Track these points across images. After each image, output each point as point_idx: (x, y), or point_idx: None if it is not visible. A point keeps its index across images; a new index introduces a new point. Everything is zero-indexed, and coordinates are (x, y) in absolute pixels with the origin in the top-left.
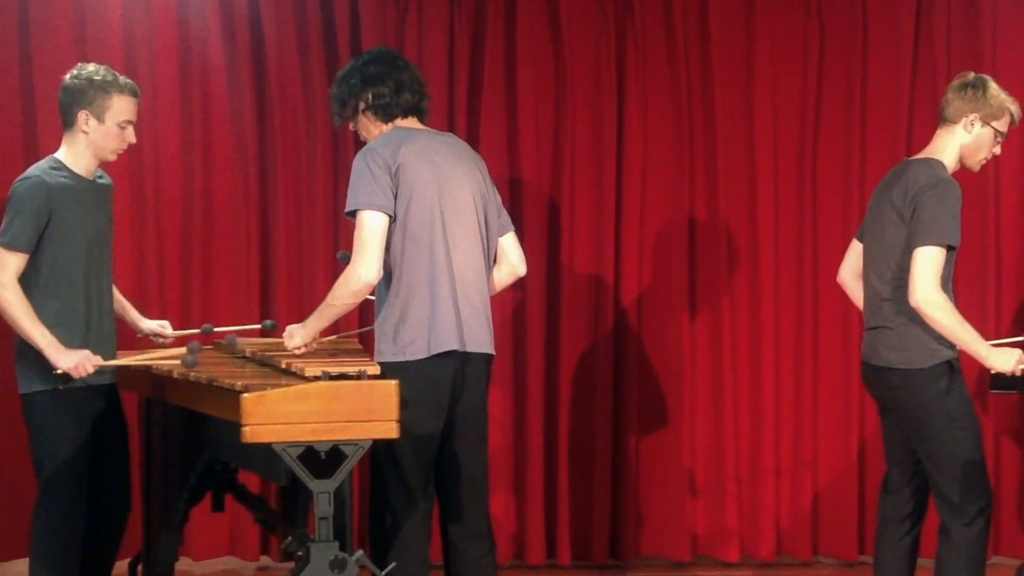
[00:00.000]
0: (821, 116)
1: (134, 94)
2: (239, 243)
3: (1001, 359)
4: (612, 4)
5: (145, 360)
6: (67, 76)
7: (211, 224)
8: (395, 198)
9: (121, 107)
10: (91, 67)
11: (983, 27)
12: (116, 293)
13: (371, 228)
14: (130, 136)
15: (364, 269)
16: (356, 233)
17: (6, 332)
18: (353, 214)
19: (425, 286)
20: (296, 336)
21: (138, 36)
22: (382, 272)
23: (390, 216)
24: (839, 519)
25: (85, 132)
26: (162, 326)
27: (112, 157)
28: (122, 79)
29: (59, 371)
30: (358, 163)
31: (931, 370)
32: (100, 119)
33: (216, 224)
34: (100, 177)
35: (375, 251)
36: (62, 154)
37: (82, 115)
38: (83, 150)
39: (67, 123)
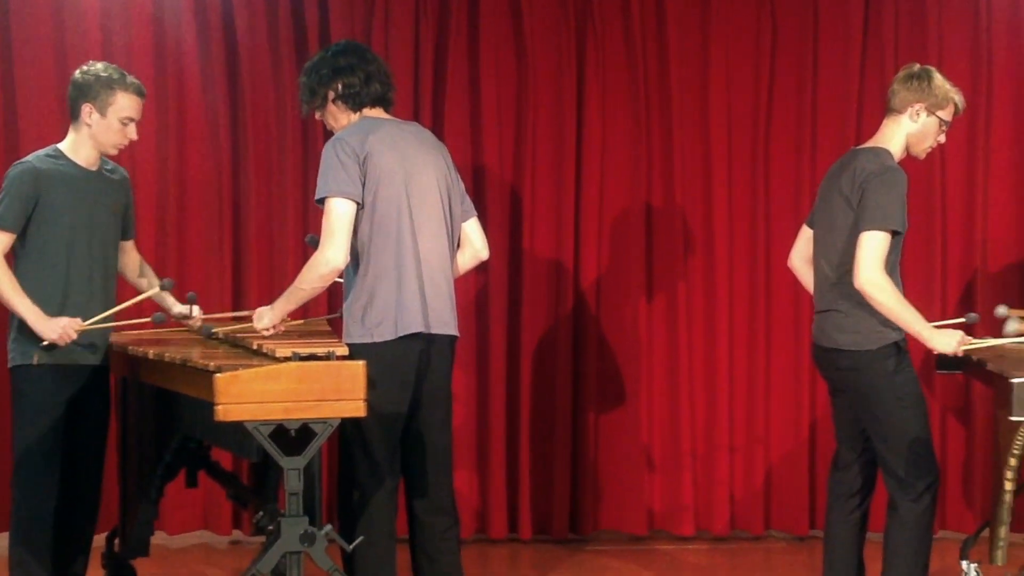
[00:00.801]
0: (773, 107)
1: (139, 93)
2: (212, 228)
3: (943, 340)
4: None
5: (117, 310)
6: (77, 72)
7: (185, 209)
8: (363, 186)
9: (124, 104)
10: (99, 65)
11: (929, 21)
12: (153, 279)
13: (339, 214)
14: (131, 133)
15: (332, 254)
16: (324, 219)
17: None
18: (322, 201)
19: (392, 270)
20: (265, 318)
21: (114, 29)
22: (349, 257)
23: (358, 203)
24: (790, 495)
25: (88, 125)
26: (189, 310)
27: (113, 151)
28: (129, 78)
29: (44, 343)
30: (327, 152)
31: (879, 351)
32: (103, 113)
33: (190, 209)
34: (111, 171)
35: (342, 237)
36: (64, 144)
37: (86, 108)
38: (85, 142)
39: (72, 115)
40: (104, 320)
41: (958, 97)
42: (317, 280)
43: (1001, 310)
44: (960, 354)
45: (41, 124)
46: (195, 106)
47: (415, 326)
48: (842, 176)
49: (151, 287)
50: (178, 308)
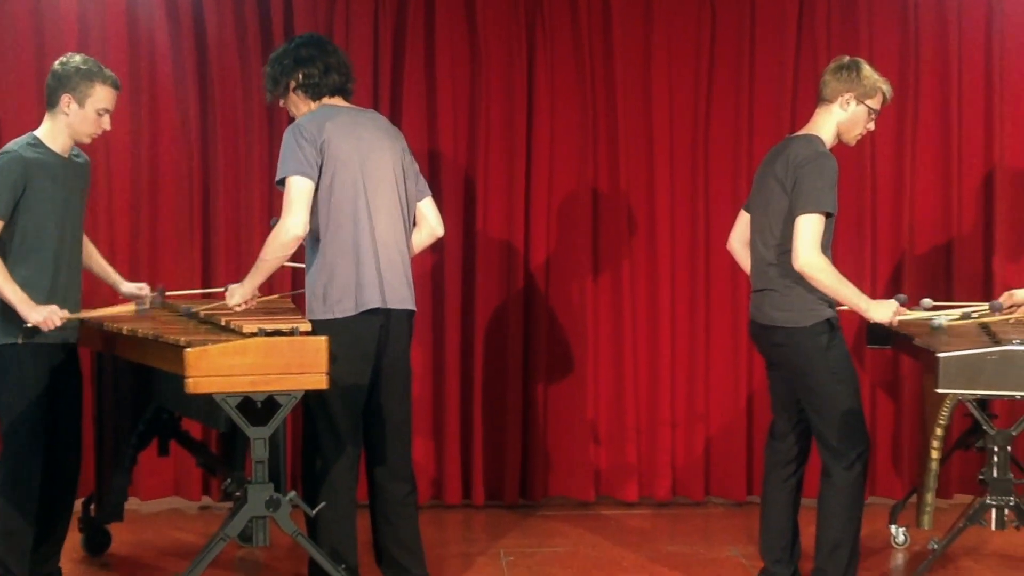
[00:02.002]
0: (712, 98)
1: (115, 86)
2: (183, 213)
3: (880, 311)
4: None
5: (104, 312)
6: (56, 63)
7: (157, 195)
8: (321, 169)
9: (101, 95)
10: (78, 57)
11: (860, 16)
12: (99, 259)
13: (298, 189)
14: (106, 124)
15: (291, 222)
16: (285, 195)
17: None
18: (282, 182)
19: (350, 250)
20: (236, 294)
21: (90, 24)
22: (308, 227)
23: (315, 182)
24: (729, 463)
25: (65, 114)
26: (139, 288)
27: (87, 140)
28: (107, 71)
29: (28, 325)
30: (287, 137)
31: (813, 328)
32: (81, 104)
33: (161, 193)
34: (77, 156)
35: (301, 208)
36: (41, 132)
37: (65, 98)
38: (61, 130)
39: (50, 104)
40: (85, 313)
41: (886, 87)
42: (279, 249)
43: (927, 302)
44: (895, 324)
45: (19, 116)
46: (167, 98)
47: (374, 302)
48: (776, 162)
49: (96, 265)
50: (126, 287)
